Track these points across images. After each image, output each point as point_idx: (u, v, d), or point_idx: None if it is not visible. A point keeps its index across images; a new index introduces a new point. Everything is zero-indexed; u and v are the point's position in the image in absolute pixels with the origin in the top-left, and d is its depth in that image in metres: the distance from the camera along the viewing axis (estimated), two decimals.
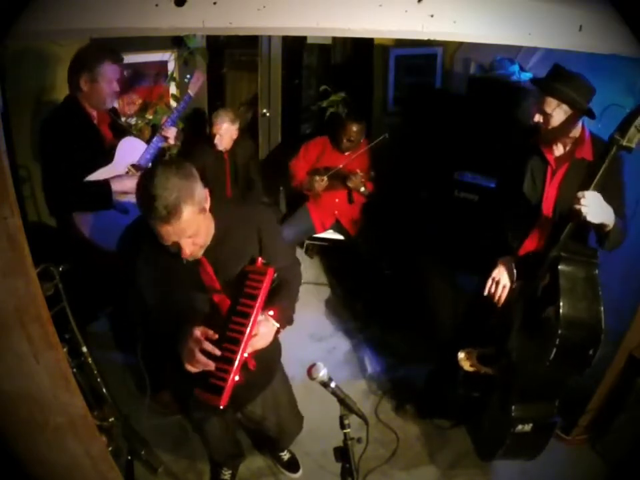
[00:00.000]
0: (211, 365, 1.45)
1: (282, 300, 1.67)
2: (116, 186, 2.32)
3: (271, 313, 1.59)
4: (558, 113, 1.91)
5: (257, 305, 1.51)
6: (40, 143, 2.27)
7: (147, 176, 1.38)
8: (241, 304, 1.54)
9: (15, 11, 1.45)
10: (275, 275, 1.56)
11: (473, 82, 3.32)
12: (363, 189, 3.37)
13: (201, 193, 1.43)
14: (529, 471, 2.43)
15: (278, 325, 1.62)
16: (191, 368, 1.46)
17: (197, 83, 2.74)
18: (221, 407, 1.47)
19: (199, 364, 1.45)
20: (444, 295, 3.16)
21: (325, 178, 3.35)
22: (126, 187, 2.34)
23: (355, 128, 3.33)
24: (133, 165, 2.44)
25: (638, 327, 2.32)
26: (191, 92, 2.72)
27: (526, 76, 3.10)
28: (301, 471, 2.46)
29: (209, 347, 1.45)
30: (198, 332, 1.46)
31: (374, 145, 3.36)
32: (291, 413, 2.22)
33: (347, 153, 3.44)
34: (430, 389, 2.73)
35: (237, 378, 1.48)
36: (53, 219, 2.53)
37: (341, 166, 3.40)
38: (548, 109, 1.91)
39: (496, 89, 3.16)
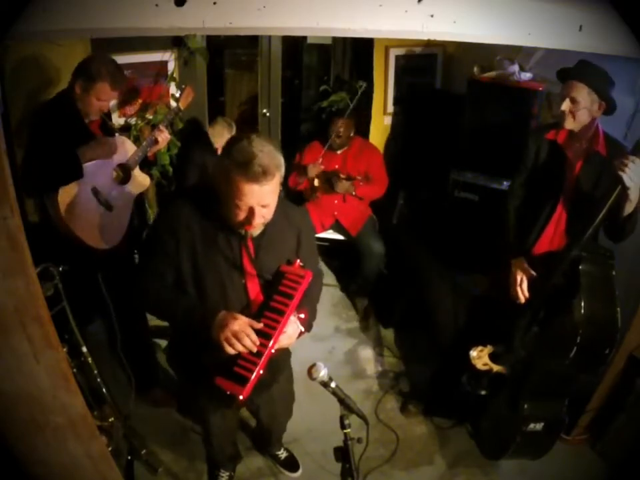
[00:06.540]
0: (254, 348, 1.47)
1: (308, 306, 1.71)
2: (85, 153, 2.20)
3: (302, 315, 1.64)
4: (585, 100, 1.92)
5: (293, 303, 1.56)
6: (28, 134, 2.19)
7: (242, 138, 1.45)
8: (276, 301, 1.58)
9: (15, 10, 1.45)
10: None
11: (472, 82, 3.32)
12: (353, 193, 3.45)
13: (283, 167, 1.50)
14: (528, 471, 2.43)
15: (303, 329, 1.66)
16: (229, 349, 1.47)
17: (186, 98, 2.71)
18: (240, 399, 1.46)
19: (242, 346, 1.46)
20: (444, 295, 3.16)
21: (320, 162, 3.40)
22: (95, 154, 2.25)
23: (340, 123, 3.38)
24: (119, 165, 2.36)
25: (638, 327, 2.33)
26: (181, 106, 2.68)
27: (526, 76, 3.10)
28: (300, 470, 2.46)
29: (253, 336, 1.47)
30: (243, 317, 1.50)
31: (355, 102, 3.40)
32: (286, 408, 2.25)
33: (339, 152, 3.49)
34: (436, 388, 2.72)
35: (261, 372, 1.50)
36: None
37: (337, 166, 3.45)
38: (577, 96, 1.92)
39: (496, 89, 3.16)
